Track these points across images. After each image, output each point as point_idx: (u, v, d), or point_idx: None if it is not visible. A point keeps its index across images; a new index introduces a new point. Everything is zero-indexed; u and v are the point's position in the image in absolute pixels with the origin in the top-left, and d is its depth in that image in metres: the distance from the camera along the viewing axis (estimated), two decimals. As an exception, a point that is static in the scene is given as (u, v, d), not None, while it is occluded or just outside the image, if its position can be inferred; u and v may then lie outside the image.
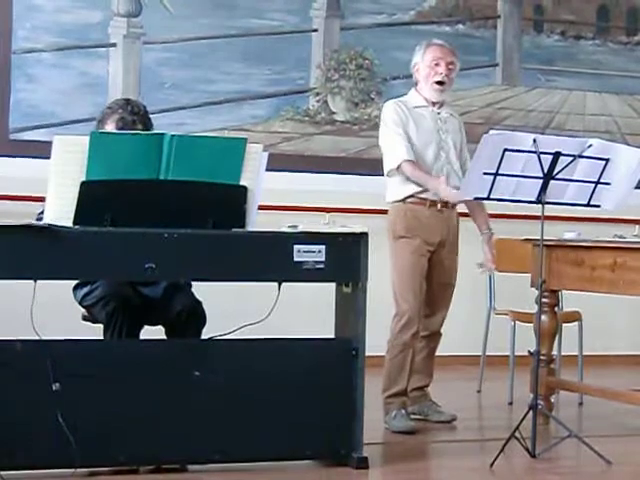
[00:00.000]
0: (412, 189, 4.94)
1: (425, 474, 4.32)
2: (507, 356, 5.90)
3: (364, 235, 4.06)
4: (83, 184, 3.74)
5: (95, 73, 6.74)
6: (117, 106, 4.34)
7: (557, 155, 4.30)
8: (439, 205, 4.95)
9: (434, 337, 5.15)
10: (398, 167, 4.90)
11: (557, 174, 4.34)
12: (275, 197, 6.20)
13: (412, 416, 5.02)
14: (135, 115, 4.30)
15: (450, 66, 5.01)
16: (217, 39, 6.98)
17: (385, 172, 5.00)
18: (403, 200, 4.97)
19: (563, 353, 5.87)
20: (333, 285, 4.20)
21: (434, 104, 5.05)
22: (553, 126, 7.72)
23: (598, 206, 4.56)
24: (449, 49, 5.07)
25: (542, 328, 4.70)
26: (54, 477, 3.74)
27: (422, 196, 4.95)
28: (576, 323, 5.92)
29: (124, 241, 3.81)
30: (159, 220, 3.84)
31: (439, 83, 5.00)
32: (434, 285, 5.03)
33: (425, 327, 5.06)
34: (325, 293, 4.27)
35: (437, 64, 4.99)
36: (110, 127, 4.26)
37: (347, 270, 4.06)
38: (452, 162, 5.01)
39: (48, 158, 3.77)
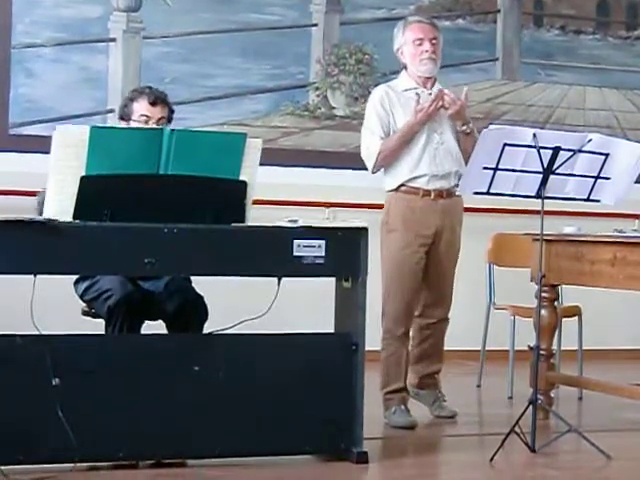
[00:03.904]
0: (404, 177, 4.88)
1: (425, 469, 4.32)
2: (507, 351, 5.90)
3: (364, 230, 4.05)
4: (83, 179, 3.74)
5: (95, 68, 6.74)
6: (142, 88, 4.43)
7: (557, 150, 4.30)
8: (433, 195, 4.90)
9: (441, 323, 5.09)
10: (377, 157, 4.84)
11: (557, 169, 4.34)
12: (275, 192, 6.20)
13: (416, 396, 5.08)
14: (161, 93, 4.37)
15: (434, 41, 4.87)
16: (217, 34, 6.98)
17: (369, 169, 4.94)
18: (397, 189, 4.92)
19: (563, 348, 5.87)
20: (333, 280, 4.19)
21: (425, 84, 4.96)
22: (553, 121, 7.71)
23: (598, 201, 4.56)
24: (429, 24, 4.93)
25: (542, 323, 4.71)
26: (54, 472, 3.73)
27: (415, 185, 4.88)
28: (576, 318, 5.92)
29: (124, 236, 3.81)
30: (159, 215, 3.84)
31: (428, 59, 4.89)
32: (434, 276, 4.97)
33: (431, 315, 5.03)
34: (325, 288, 4.27)
35: (420, 44, 4.87)
36: (142, 104, 4.29)
37: (347, 265, 4.06)
38: (447, 141, 4.90)
39: (48, 153, 3.77)
